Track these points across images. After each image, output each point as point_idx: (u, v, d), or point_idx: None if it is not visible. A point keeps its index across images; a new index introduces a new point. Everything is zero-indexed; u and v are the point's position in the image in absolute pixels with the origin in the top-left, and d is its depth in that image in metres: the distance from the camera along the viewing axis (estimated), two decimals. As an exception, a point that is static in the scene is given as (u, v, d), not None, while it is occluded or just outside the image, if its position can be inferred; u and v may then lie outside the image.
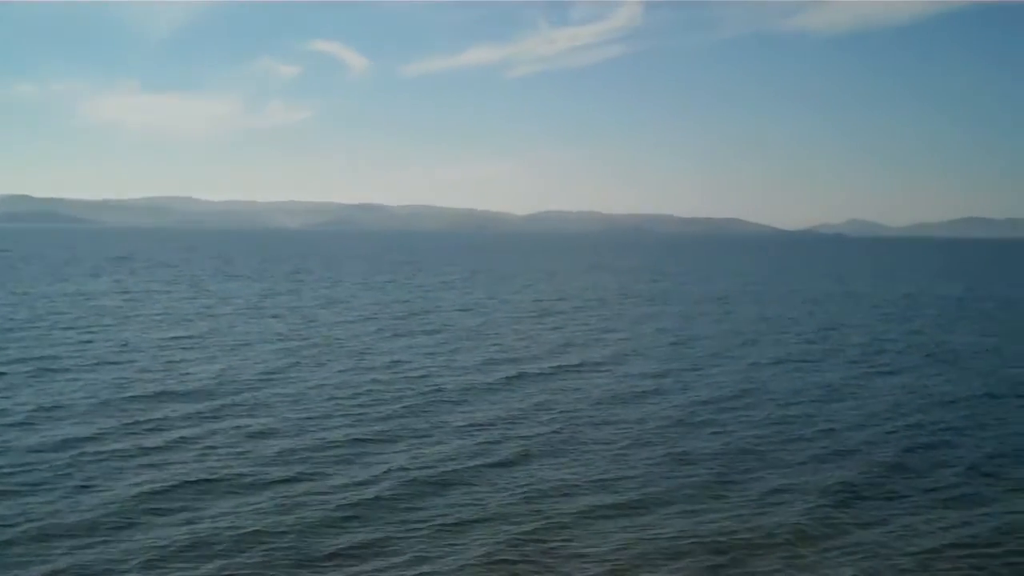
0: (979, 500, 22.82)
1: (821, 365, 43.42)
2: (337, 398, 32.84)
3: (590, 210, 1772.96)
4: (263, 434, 27.53)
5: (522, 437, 27.81)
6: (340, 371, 38.56)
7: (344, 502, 21.34)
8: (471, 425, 29.26)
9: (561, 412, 31.43)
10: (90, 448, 25.28)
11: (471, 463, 24.96)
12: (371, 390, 34.40)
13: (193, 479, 22.79)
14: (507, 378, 37.68)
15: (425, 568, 17.87)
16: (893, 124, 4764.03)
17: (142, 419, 28.85)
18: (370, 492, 22.08)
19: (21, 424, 27.84)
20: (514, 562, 18.27)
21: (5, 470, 23.04)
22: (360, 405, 31.81)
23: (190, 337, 48.35)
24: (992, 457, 26.74)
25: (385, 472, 23.73)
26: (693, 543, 19.29)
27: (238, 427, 28.30)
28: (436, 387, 35.40)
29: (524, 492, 22.42)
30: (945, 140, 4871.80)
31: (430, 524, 20.12)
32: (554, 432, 28.53)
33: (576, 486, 23.02)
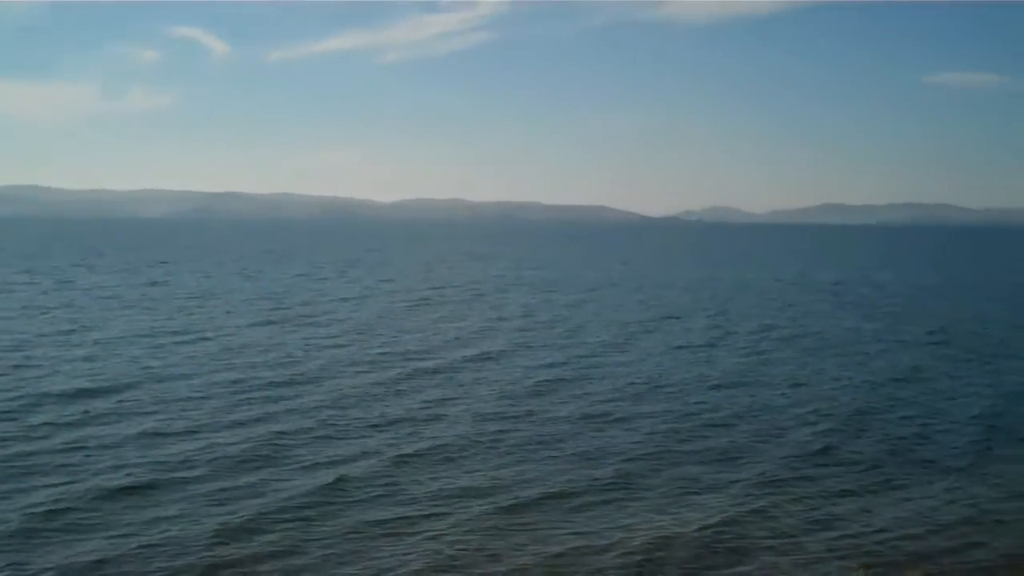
0: (898, 485, 22.99)
1: (714, 353, 43.45)
2: (233, 396, 31.16)
3: (456, 198, 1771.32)
4: (153, 434, 25.90)
5: (427, 435, 26.71)
6: (228, 368, 36.58)
7: (245, 509, 20.03)
8: (375, 425, 27.93)
9: (464, 407, 30.41)
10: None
11: (375, 460, 23.95)
12: (264, 387, 32.76)
13: (110, 486, 21.26)
14: (404, 374, 36.30)
15: (332, 573, 17.17)
16: (753, 113, 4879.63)
17: None
18: (272, 499, 20.80)
19: None
20: (422, 564, 17.51)
21: None
22: (258, 403, 30.21)
23: (60, 333, 45.71)
24: (901, 439, 27.27)
25: (278, 480, 22.41)
26: (607, 540, 18.84)
27: (118, 428, 26.56)
28: (319, 378, 34.47)
29: (430, 492, 21.52)
30: (802, 129, 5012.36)
31: (335, 528, 19.23)
32: (462, 427, 27.53)
33: (484, 485, 22.18)
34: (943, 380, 37.07)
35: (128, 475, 22.09)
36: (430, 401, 31.18)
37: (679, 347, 44.71)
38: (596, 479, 22.77)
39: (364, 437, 26.33)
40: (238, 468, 23.05)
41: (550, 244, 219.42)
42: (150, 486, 21.40)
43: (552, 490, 21.79)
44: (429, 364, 38.38)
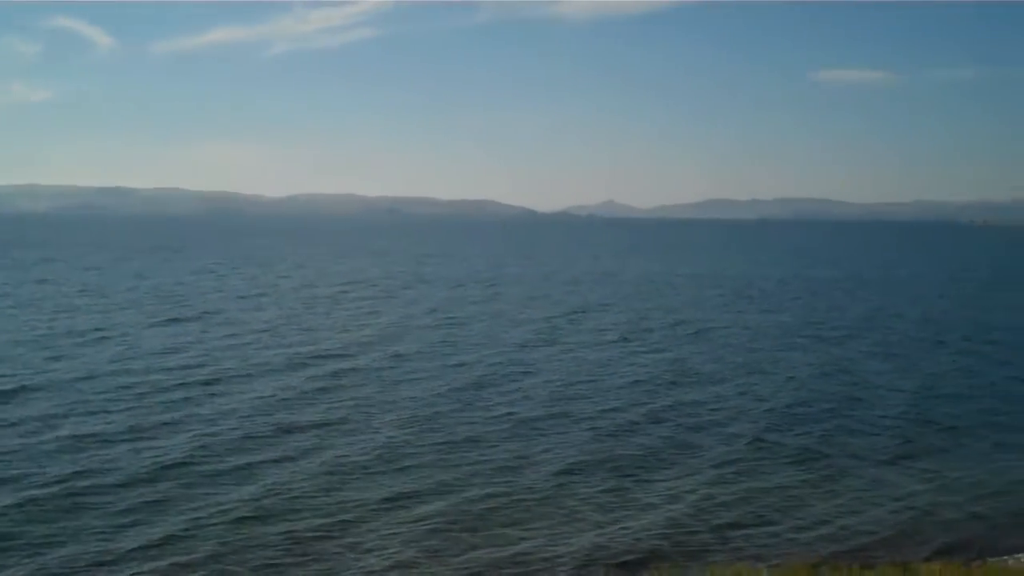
0: (828, 477, 23.44)
1: (631, 349, 43.59)
2: (145, 399, 30.03)
3: (348, 192, 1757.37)
4: (65, 440, 24.76)
5: (355, 439, 26.07)
6: (134, 371, 35.16)
7: (172, 519, 19.31)
8: (300, 429, 27.14)
9: (388, 409, 29.77)
10: None
11: (305, 465, 23.36)
12: (175, 389, 31.71)
13: (21, 497, 20.16)
14: (321, 374, 35.54)
15: (221, 561, 17.18)
16: (642, 109, 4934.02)
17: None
18: (201, 507, 20.05)
19: None
20: (362, 571, 17.19)
21: None
22: (173, 407, 29.08)
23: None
24: (768, 430, 27.85)
25: (166, 466, 22.44)
26: (553, 540, 18.78)
27: (23, 436, 25.26)
28: (232, 380, 33.63)
29: (365, 498, 20.97)
30: (691, 125, 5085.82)
31: (228, 516, 19.23)
32: (388, 431, 26.91)
33: (422, 489, 21.70)
34: (860, 373, 37.84)
35: (40, 486, 20.99)
36: (351, 403, 30.45)
37: (595, 344, 44.69)
38: (535, 479, 22.55)
39: (290, 441, 25.58)
40: (161, 476, 22.15)
41: (445, 239, 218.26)
42: (65, 496, 20.40)
43: (491, 492, 21.47)
44: (345, 364, 37.63)
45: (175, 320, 50.23)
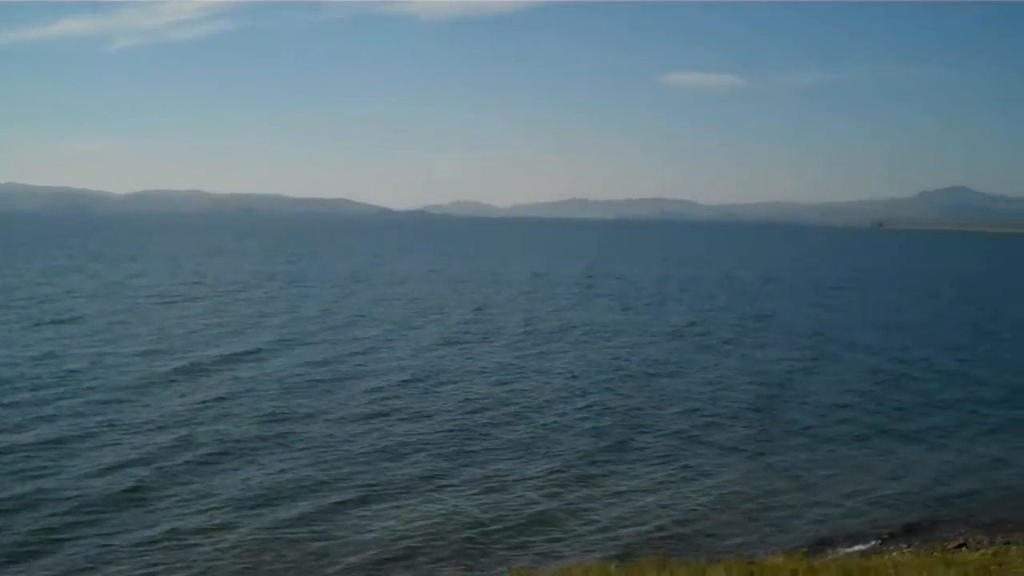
0: (690, 476, 23.47)
1: (488, 346, 43.44)
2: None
3: (196, 190, 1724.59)
4: None
5: (212, 434, 25.22)
6: None
7: (35, 519, 18.36)
8: (159, 427, 25.91)
9: (249, 406, 28.85)
10: None
11: (166, 463, 22.45)
12: (26, 390, 29.83)
13: None
14: (177, 369, 34.33)
15: None
16: (498, 109, 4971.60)
17: None
18: (66, 506, 19.12)
19: None
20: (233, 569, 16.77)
21: None
22: (23, 407, 27.42)
23: None
24: (684, 429, 27.88)
25: (65, 488, 20.32)
26: (416, 533, 18.66)
27: None
28: (84, 379, 31.73)
29: (231, 496, 20.29)
30: (548, 125, 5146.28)
31: (139, 536, 17.93)
32: (247, 427, 26.20)
33: (286, 485, 21.21)
34: (713, 370, 38.26)
35: None
36: (211, 400, 29.34)
37: (452, 342, 44.18)
38: (396, 475, 22.17)
39: (147, 440, 24.33)
40: (16, 477, 20.88)
41: (297, 238, 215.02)
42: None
43: (354, 488, 21.04)
44: (202, 361, 36.20)
45: (18, 322, 47.31)
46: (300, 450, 23.98)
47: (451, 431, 26.56)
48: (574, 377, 35.64)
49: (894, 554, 16.45)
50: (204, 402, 29.00)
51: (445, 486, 21.48)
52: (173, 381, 32.29)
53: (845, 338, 49.15)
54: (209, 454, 23.22)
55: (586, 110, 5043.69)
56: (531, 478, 22.30)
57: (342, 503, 20.06)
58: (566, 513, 20.16)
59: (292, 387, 31.83)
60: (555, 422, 27.99)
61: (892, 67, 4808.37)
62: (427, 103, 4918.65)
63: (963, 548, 17.03)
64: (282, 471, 22.10)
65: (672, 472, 23.44)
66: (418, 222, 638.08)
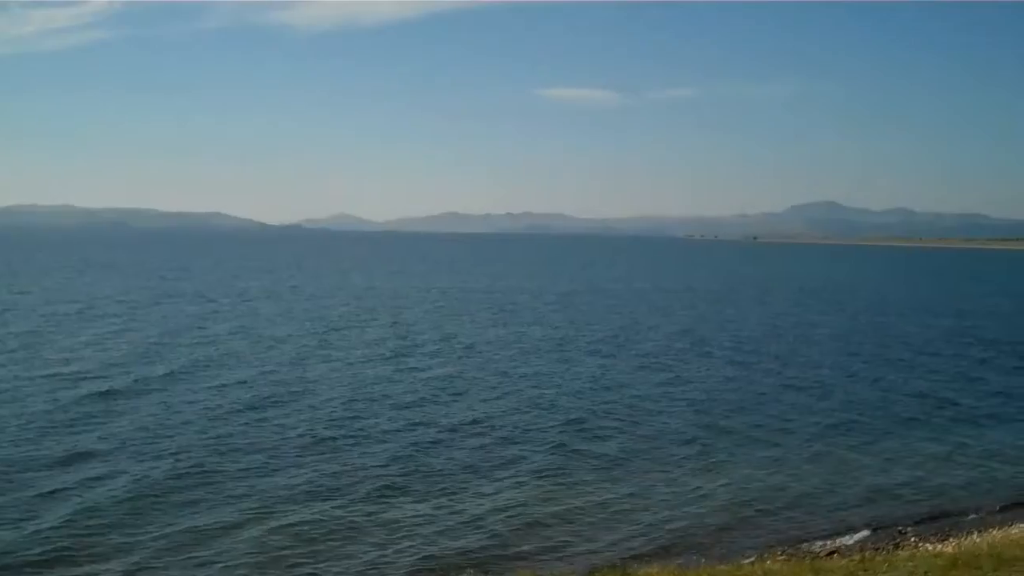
0: (571, 475, 25.21)
1: (410, 362, 44.18)
2: None
3: (67, 204, 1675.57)
4: None
5: (142, 465, 24.91)
6: None
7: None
8: (78, 455, 25.71)
9: (173, 432, 28.54)
10: None
11: (95, 490, 22.38)
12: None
13: None
14: (86, 396, 33.47)
15: None
16: (373, 121, 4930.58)
17: None
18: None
19: None
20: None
21: None
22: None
23: None
24: (629, 441, 29.31)
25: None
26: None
27: None
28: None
29: (169, 532, 20.14)
30: (424, 139, 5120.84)
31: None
32: (174, 459, 25.77)
33: (227, 519, 21.08)
34: (637, 386, 39.45)
35: None
36: (128, 427, 28.91)
37: (371, 359, 44.47)
38: (352, 499, 22.59)
39: (65, 469, 24.20)
40: None
41: (178, 253, 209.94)
42: None
43: (307, 514, 21.40)
44: (110, 385, 35.49)
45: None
46: (222, 483, 23.87)
47: (397, 449, 27.23)
48: (540, 392, 37.01)
49: (767, 563, 17.36)
50: (123, 428, 28.72)
51: (395, 510, 21.96)
52: (84, 405, 31.81)
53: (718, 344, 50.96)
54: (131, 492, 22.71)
55: (463, 124, 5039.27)
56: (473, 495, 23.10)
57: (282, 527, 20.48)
58: (562, 523, 21.34)
59: (215, 414, 31.50)
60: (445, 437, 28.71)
61: (762, 84, 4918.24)
62: (304, 115, 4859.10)
63: (835, 555, 18.37)
64: (213, 508, 22.01)
65: (559, 482, 24.46)
66: (294, 236, 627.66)
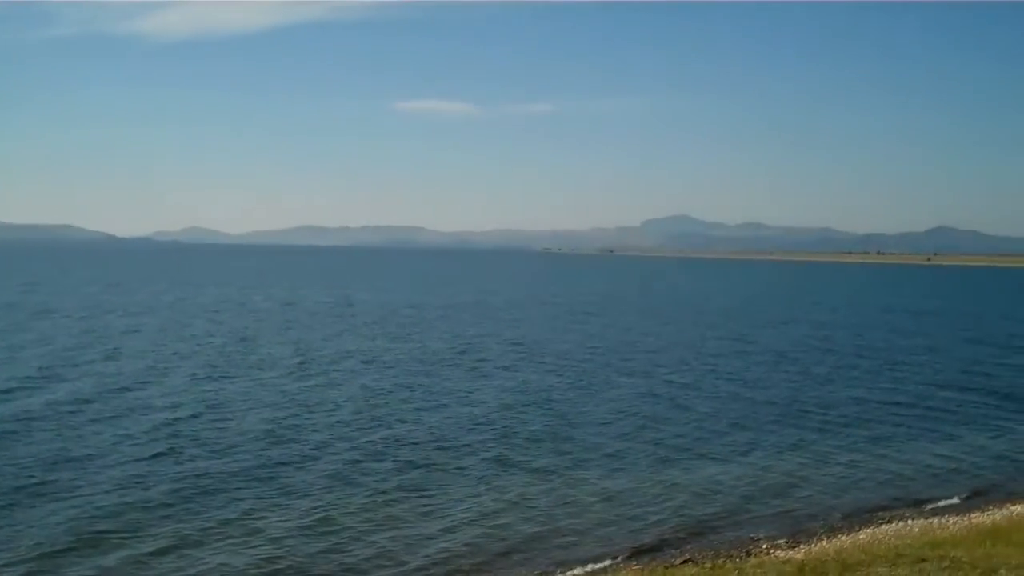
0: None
1: (266, 375, 43.83)
2: None
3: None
4: None
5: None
6: None
7: None
8: None
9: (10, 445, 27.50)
10: None
11: None
12: None
13: None
14: None
15: None
16: (228, 133, 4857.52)
17: None
18: None
19: None
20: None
21: None
22: None
23: None
24: (498, 452, 29.19)
25: None
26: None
27: None
28: None
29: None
30: (278, 151, 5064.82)
31: None
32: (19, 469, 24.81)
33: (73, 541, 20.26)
34: (509, 395, 40.10)
35: None
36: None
37: (219, 376, 43.35)
38: (192, 512, 22.25)
39: None
40: None
41: (22, 266, 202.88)
42: None
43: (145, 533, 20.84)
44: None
45: None
46: (86, 496, 23.26)
47: (252, 465, 26.85)
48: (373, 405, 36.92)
49: (622, 573, 17.62)
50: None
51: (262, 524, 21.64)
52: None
53: (600, 360, 52.04)
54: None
55: (320, 136, 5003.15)
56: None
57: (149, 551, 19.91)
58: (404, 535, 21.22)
59: (66, 426, 30.89)
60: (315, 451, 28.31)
61: (617, 98, 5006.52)
62: (156, 126, 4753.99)
63: (688, 563, 18.66)
64: (72, 519, 21.48)
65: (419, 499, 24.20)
66: (145, 249, 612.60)
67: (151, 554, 19.60)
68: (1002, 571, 11.28)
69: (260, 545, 20.38)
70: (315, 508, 23.12)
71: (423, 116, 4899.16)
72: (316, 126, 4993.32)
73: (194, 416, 33.40)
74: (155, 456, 27.48)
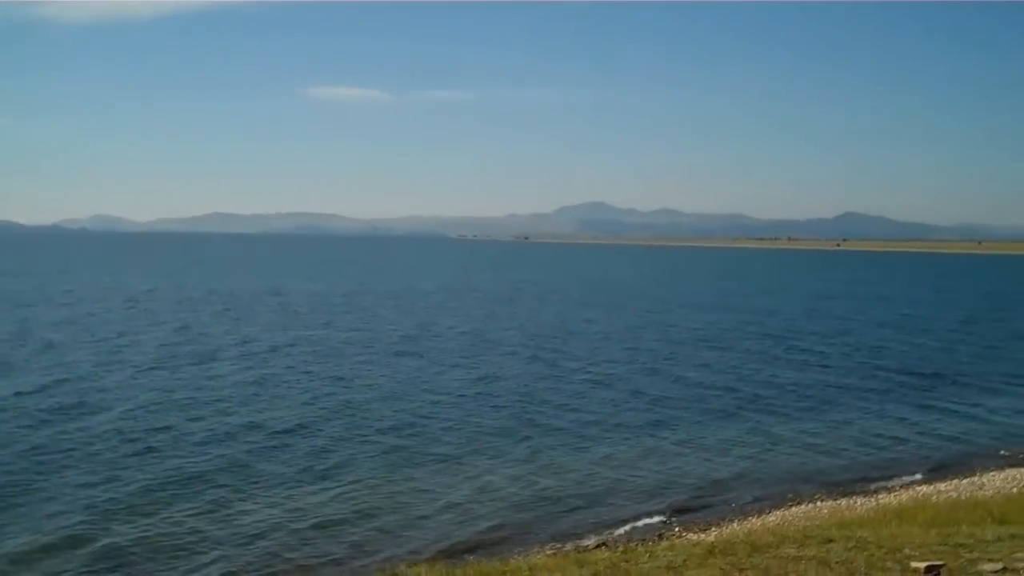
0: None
1: (207, 364, 43.63)
2: None
3: None
4: None
5: None
6: None
7: None
8: None
9: None
10: None
11: None
12: None
13: None
14: None
15: None
16: (138, 119, 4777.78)
17: None
18: None
19: None
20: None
21: None
22: None
23: None
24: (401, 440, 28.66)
25: None
26: None
27: None
28: None
29: None
30: (190, 138, 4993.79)
31: None
32: None
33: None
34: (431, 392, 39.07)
35: None
36: None
37: (169, 366, 42.80)
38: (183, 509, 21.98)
39: None
40: None
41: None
42: None
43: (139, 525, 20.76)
44: None
45: None
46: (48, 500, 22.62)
47: (215, 458, 26.54)
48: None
49: (535, 558, 17.48)
50: None
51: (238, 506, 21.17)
52: None
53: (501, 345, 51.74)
54: None
55: (229, 122, 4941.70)
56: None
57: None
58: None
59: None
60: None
61: (532, 88, 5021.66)
62: (62, 112, 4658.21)
63: (602, 548, 18.69)
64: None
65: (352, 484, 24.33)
66: (55, 237, 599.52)
67: (119, 548, 19.42)
68: (906, 550, 11.45)
69: (230, 538, 20.24)
70: (285, 498, 23.04)
71: (334, 102, 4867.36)
72: (226, 112, 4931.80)
73: (147, 410, 32.72)
74: (107, 453, 26.93)
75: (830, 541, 12.05)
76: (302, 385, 38.86)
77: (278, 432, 29.92)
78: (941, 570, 10.45)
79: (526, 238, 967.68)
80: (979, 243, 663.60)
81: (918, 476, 27.62)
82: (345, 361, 46.06)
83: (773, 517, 22.54)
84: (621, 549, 14.24)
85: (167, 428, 29.86)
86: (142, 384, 37.97)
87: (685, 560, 11.34)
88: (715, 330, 66.22)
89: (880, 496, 24.72)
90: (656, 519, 22.82)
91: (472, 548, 20.25)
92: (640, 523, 22.43)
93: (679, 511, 23.57)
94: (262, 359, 45.97)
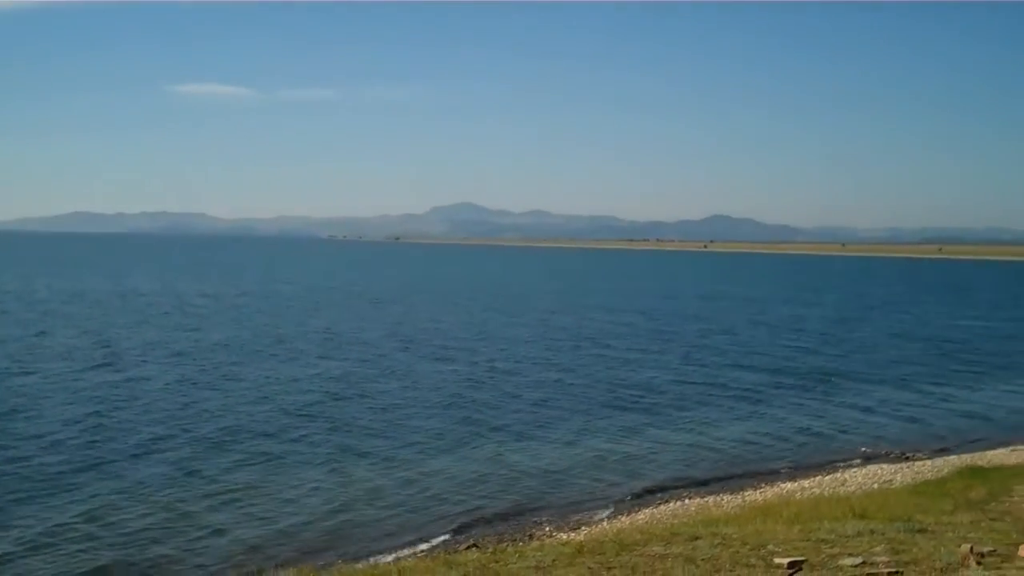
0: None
1: (70, 367, 42.27)
2: None
3: None
4: None
5: None
6: None
7: None
8: None
9: None
10: None
11: None
12: None
13: None
14: None
15: None
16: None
17: None
18: None
19: None
20: None
21: None
22: None
23: None
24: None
25: None
26: None
27: None
28: None
29: None
30: (53, 132, 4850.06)
31: None
32: None
33: None
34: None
35: None
36: None
37: (22, 371, 41.02)
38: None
39: None
40: None
41: None
42: None
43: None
44: None
45: None
46: None
47: (85, 460, 25.90)
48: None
49: (403, 561, 17.45)
50: None
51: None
52: None
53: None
54: None
55: (90, 119, 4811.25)
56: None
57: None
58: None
59: None
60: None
61: (401, 87, 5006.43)
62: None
63: (473, 548, 18.64)
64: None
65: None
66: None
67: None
68: (770, 546, 11.65)
69: (105, 542, 19.80)
70: (159, 502, 22.53)
71: (201, 100, 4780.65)
72: (87, 108, 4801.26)
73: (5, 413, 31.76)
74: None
75: (696, 538, 12.19)
76: (173, 388, 38.01)
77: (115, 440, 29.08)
78: (803, 565, 10.63)
79: (397, 239, 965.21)
80: (843, 245, 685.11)
81: (783, 473, 28.27)
82: (213, 362, 45.28)
83: (642, 516, 22.85)
84: (491, 550, 14.22)
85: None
86: (47, 390, 36.66)
87: (554, 560, 11.34)
88: (592, 330, 67.00)
89: (746, 493, 25.27)
90: (527, 520, 22.86)
91: (339, 554, 19.90)
92: (511, 524, 22.48)
93: (549, 512, 23.63)
94: (127, 360, 44.85)
